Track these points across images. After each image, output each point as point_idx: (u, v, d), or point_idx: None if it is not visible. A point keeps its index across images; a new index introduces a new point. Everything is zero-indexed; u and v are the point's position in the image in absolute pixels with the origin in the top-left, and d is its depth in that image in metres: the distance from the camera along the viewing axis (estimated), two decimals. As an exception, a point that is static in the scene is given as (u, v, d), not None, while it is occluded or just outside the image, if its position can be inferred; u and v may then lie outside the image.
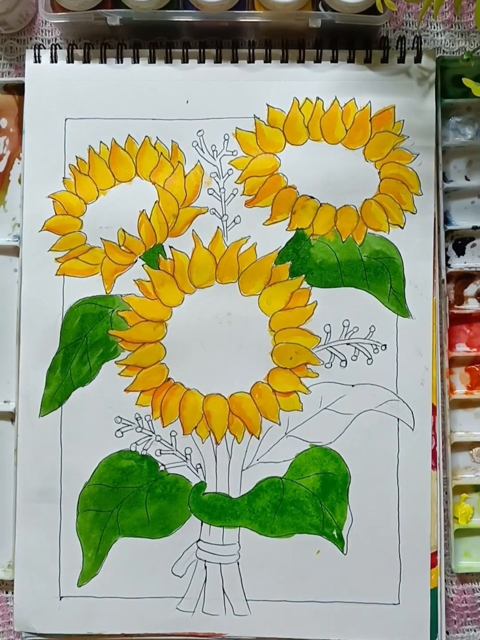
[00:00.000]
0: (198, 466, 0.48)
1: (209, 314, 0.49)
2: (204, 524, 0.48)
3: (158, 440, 0.48)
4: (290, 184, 0.49)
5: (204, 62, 0.49)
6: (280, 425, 0.48)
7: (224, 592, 0.48)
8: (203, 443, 0.48)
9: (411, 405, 0.48)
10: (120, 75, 0.49)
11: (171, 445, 0.48)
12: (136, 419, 0.48)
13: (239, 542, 0.48)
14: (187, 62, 0.49)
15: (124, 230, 0.49)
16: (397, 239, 0.49)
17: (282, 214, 0.49)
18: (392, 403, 0.48)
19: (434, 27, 0.51)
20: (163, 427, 0.48)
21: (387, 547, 0.48)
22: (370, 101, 0.49)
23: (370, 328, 0.48)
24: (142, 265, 0.49)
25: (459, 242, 0.51)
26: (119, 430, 0.48)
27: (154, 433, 0.48)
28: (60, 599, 0.48)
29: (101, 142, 0.49)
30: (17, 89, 0.50)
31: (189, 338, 0.48)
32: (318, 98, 0.49)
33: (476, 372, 0.51)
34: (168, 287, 0.49)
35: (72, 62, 0.49)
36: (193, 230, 0.49)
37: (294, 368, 0.48)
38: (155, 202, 0.49)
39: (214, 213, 0.49)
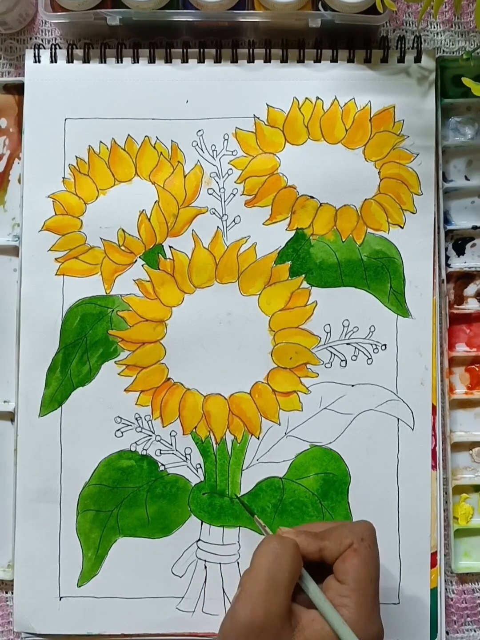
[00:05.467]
0: (198, 466, 0.48)
1: (209, 314, 0.49)
2: (203, 523, 0.48)
3: (158, 440, 0.48)
4: (290, 184, 0.49)
5: (203, 62, 0.49)
6: (280, 425, 0.48)
7: (224, 592, 0.48)
8: (203, 443, 0.48)
9: (411, 405, 0.48)
10: (120, 75, 0.49)
11: (171, 445, 0.48)
12: (136, 419, 0.48)
13: (239, 541, 0.48)
14: (187, 62, 0.49)
15: (123, 230, 0.49)
16: (397, 238, 0.49)
17: (282, 213, 0.49)
18: (392, 403, 0.48)
19: (434, 27, 0.51)
20: (163, 427, 0.48)
21: (387, 547, 0.48)
22: (370, 101, 0.49)
23: (370, 328, 0.48)
24: (142, 265, 0.49)
25: (459, 242, 0.51)
26: (118, 430, 0.48)
27: (153, 433, 0.48)
28: (60, 599, 0.48)
29: (101, 142, 0.49)
30: (17, 89, 0.50)
31: (188, 338, 0.48)
32: (318, 98, 0.49)
33: (476, 372, 0.51)
34: (168, 287, 0.49)
35: (72, 62, 0.49)
36: (193, 230, 0.49)
37: (293, 368, 0.48)
38: (155, 202, 0.49)
39: (214, 213, 0.49)
